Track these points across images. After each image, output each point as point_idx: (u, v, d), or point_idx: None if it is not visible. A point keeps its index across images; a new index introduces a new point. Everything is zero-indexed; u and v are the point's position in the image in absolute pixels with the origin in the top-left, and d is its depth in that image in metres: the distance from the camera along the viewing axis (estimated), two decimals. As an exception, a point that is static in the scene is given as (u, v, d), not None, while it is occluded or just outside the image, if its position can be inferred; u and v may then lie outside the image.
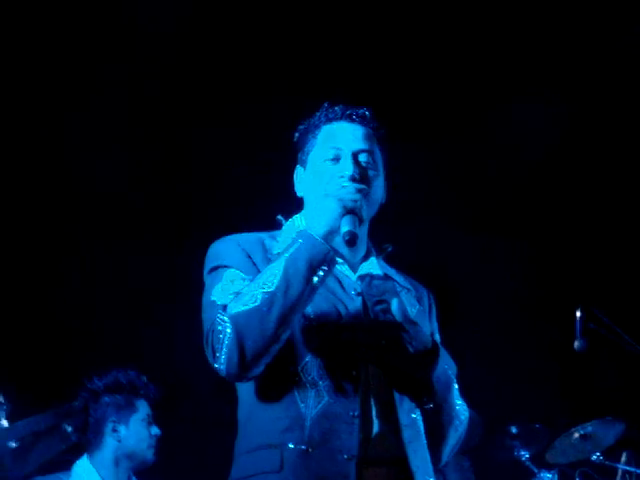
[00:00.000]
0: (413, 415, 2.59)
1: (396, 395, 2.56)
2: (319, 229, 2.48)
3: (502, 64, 6.21)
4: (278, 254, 2.51)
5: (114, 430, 4.30)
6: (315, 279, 2.43)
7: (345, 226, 2.49)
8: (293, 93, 5.58)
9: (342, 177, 2.62)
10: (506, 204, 6.59)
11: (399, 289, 2.74)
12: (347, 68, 5.95)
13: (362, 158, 2.67)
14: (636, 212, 6.56)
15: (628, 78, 6.22)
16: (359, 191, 2.58)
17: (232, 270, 2.57)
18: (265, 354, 2.43)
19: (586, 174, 6.57)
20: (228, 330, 2.41)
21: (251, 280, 2.50)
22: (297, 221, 2.75)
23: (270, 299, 2.40)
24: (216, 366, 2.45)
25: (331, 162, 2.66)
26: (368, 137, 2.71)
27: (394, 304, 2.51)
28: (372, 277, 2.67)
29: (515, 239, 6.54)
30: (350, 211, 2.51)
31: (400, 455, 2.51)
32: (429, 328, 2.76)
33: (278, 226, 2.78)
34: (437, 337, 2.79)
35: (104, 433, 4.32)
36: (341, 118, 2.72)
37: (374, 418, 2.52)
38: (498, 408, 5.93)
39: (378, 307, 2.57)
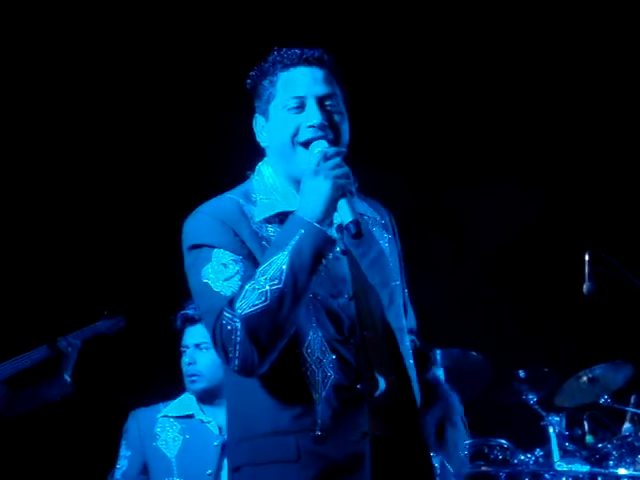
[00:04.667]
0: (411, 361, 2.62)
1: (395, 350, 2.57)
2: (316, 214, 2.41)
3: None
4: (277, 244, 2.42)
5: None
6: (320, 268, 2.41)
7: (347, 215, 2.42)
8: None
9: (311, 126, 2.55)
10: (514, 149, 6.55)
11: (370, 226, 2.72)
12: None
13: (326, 102, 2.60)
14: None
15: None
16: (343, 159, 2.50)
17: (220, 250, 2.50)
18: (278, 349, 2.40)
19: (595, 117, 6.51)
20: (239, 331, 2.36)
21: (242, 260, 2.47)
22: (265, 172, 2.69)
23: (280, 296, 2.35)
24: (229, 364, 2.40)
25: (295, 110, 2.59)
26: (328, 79, 2.63)
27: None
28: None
29: (524, 185, 6.51)
30: (344, 193, 2.44)
31: (410, 420, 2.54)
32: (398, 257, 2.77)
33: (244, 179, 2.72)
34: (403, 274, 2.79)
35: None
36: (298, 63, 2.62)
37: (379, 382, 2.52)
38: (506, 352, 5.94)
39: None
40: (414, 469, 2.53)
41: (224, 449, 4.07)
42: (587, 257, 4.15)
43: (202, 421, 4.19)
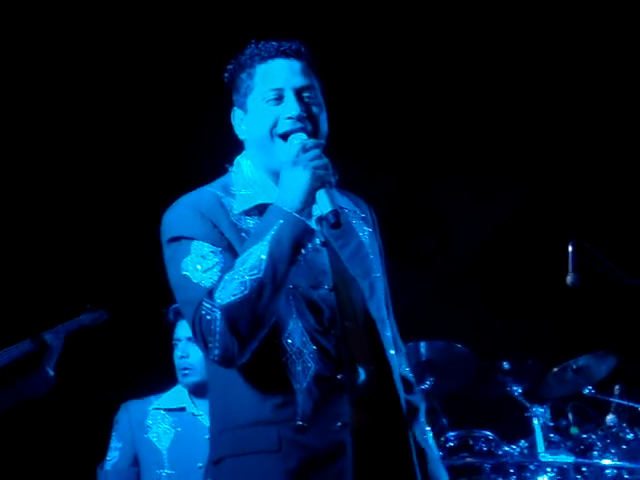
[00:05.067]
0: (392, 351, 2.62)
1: (376, 340, 2.58)
2: (295, 204, 2.41)
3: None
4: (256, 234, 2.42)
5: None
6: (299, 258, 2.41)
7: (326, 205, 2.42)
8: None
9: (289, 118, 2.55)
10: (496, 143, 6.56)
11: (350, 217, 2.73)
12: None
13: (305, 94, 2.60)
14: (628, 146, 6.53)
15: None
16: (322, 150, 2.50)
17: (199, 242, 2.50)
18: (257, 339, 2.40)
19: (576, 109, 6.52)
20: (219, 321, 2.35)
21: (221, 252, 2.46)
22: (243, 165, 2.68)
23: (259, 286, 2.35)
24: (209, 355, 2.40)
25: (274, 102, 2.58)
26: (306, 71, 2.62)
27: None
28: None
29: (506, 177, 6.52)
30: (323, 184, 2.43)
31: (392, 410, 2.55)
32: (379, 250, 2.78)
33: (223, 172, 2.71)
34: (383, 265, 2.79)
35: None
36: (276, 55, 2.62)
37: (359, 373, 2.52)
38: (490, 344, 5.95)
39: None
40: (396, 459, 2.53)
41: None
42: (570, 248, 4.15)
43: (194, 414, 4.19)
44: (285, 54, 2.62)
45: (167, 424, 4.18)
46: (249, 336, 2.37)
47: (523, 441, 5.32)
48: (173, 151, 6.01)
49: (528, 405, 5.46)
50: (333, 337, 2.49)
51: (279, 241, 2.38)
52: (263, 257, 2.36)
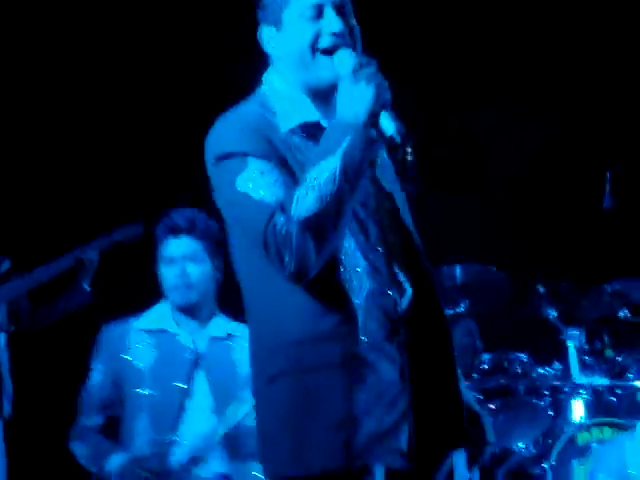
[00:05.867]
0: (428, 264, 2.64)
1: (415, 254, 2.60)
2: (360, 119, 2.38)
3: None
4: (325, 149, 2.38)
5: None
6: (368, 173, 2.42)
7: (389, 124, 2.40)
8: None
9: (333, 34, 2.51)
10: (529, 70, 6.48)
11: None
12: None
13: (344, 9, 2.56)
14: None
15: None
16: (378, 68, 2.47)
17: (254, 158, 2.44)
18: (329, 254, 2.40)
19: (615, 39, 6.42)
20: (296, 235, 2.33)
21: (278, 167, 2.43)
22: (275, 82, 2.63)
23: (336, 200, 2.33)
24: (284, 270, 2.37)
25: (314, 17, 2.53)
26: None
27: None
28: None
29: (545, 102, 6.45)
30: (384, 103, 2.42)
31: (436, 324, 2.58)
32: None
33: (254, 91, 2.65)
34: None
35: None
36: None
37: (406, 288, 2.52)
38: (525, 267, 5.95)
39: None
40: (441, 367, 2.56)
41: (197, 361, 4.12)
42: (608, 175, 4.13)
43: (174, 334, 4.16)
44: None
45: (147, 344, 4.14)
46: (325, 250, 2.37)
47: (557, 364, 5.34)
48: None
49: (563, 328, 5.48)
50: (380, 254, 2.51)
51: (351, 155, 2.35)
52: (336, 171, 2.34)
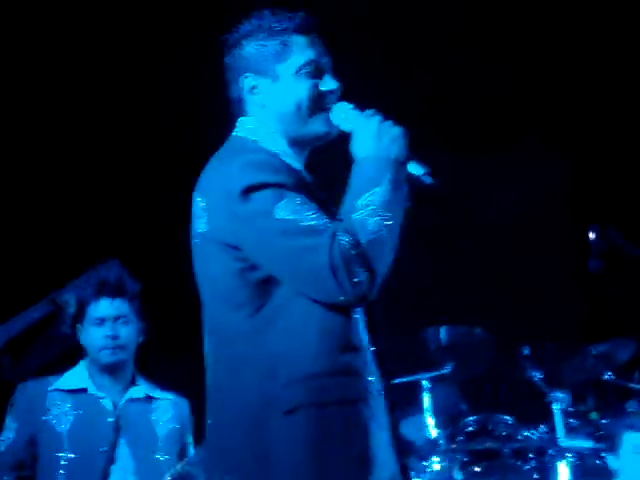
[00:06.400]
0: None
1: None
2: (401, 155, 2.54)
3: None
4: (367, 179, 2.47)
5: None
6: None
7: (417, 168, 2.59)
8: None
9: (332, 93, 2.66)
10: (515, 121, 6.53)
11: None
12: None
13: (332, 65, 2.72)
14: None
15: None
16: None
17: (288, 191, 2.47)
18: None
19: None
20: (362, 258, 2.39)
21: (310, 201, 2.48)
22: (259, 130, 2.67)
23: (391, 227, 2.43)
24: (345, 293, 2.41)
25: (313, 75, 2.66)
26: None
27: None
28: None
29: (529, 158, 6.49)
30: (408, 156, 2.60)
31: None
32: None
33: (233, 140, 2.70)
34: None
35: None
36: (306, 28, 2.69)
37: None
38: (510, 329, 5.94)
39: None
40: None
41: (118, 424, 4.08)
42: (592, 234, 4.14)
43: (96, 396, 4.13)
44: (312, 28, 2.70)
45: (67, 406, 4.10)
46: (380, 276, 2.45)
47: (543, 426, 5.31)
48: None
49: (548, 390, 5.45)
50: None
51: (396, 186, 2.48)
52: (389, 198, 2.45)
